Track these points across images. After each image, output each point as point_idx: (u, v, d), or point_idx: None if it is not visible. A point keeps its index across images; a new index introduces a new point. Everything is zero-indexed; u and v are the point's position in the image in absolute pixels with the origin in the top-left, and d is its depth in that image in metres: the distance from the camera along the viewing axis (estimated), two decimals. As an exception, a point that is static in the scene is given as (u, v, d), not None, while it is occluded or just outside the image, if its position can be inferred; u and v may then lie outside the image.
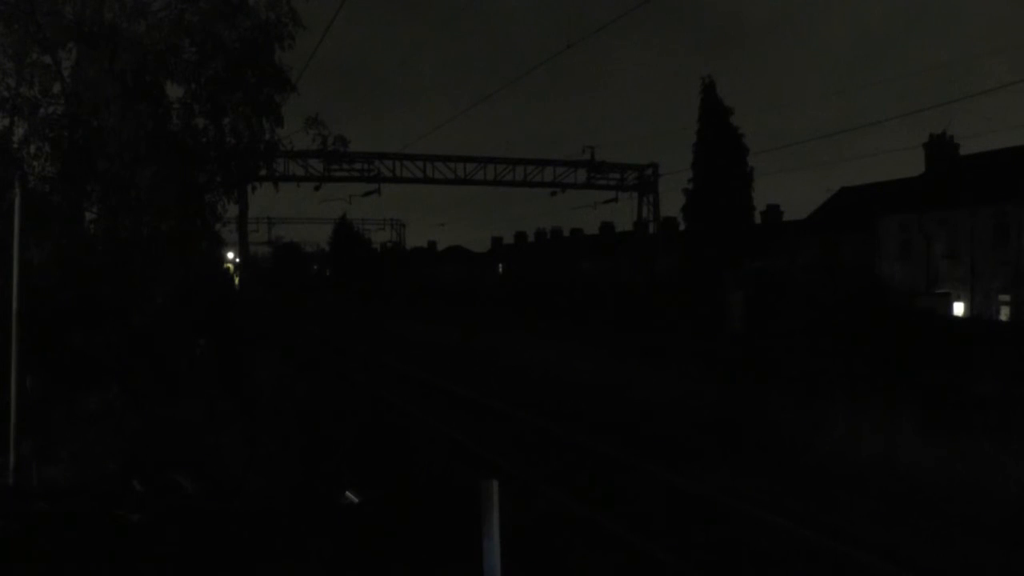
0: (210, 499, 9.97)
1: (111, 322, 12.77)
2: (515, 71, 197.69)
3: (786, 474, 13.95)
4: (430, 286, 65.17)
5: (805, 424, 16.02)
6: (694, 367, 21.55)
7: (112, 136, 12.29)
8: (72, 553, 8.30)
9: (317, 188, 44.23)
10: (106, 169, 12.65)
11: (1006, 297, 36.80)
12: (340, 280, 77.93)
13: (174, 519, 9.30)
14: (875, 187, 47.25)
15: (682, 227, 45.56)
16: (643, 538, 10.54)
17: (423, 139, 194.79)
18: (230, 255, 47.62)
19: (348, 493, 10.71)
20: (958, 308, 37.83)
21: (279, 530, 9.25)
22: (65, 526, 8.94)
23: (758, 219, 48.03)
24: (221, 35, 13.10)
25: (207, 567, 8.23)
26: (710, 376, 20.40)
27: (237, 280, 42.90)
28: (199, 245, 14.74)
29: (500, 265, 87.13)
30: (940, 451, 13.36)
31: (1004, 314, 36.33)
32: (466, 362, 30.51)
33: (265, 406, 15.69)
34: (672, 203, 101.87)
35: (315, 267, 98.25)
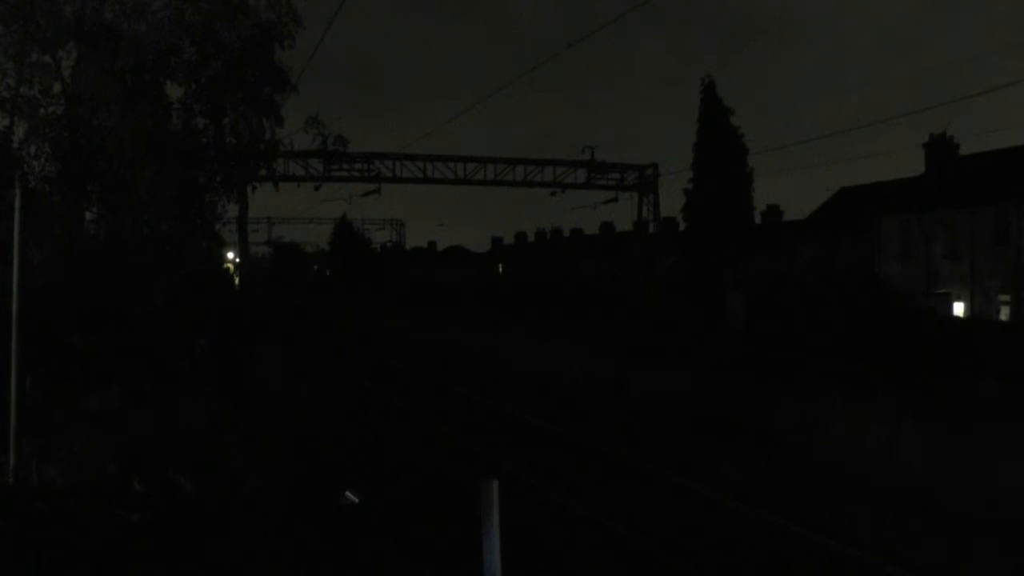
0: (210, 499, 9.97)
1: (111, 322, 12.78)
2: (516, 71, 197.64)
3: (785, 473, 13.96)
4: (430, 286, 65.15)
5: (804, 423, 16.03)
6: (693, 366, 21.57)
7: (112, 136, 12.30)
8: (72, 553, 8.30)
9: (317, 188, 44.29)
10: (106, 169, 12.67)
11: (1006, 297, 36.79)
12: (340, 280, 77.92)
13: (174, 519, 9.30)
14: (875, 187, 47.25)
15: (682, 227, 45.56)
16: (640, 537, 10.56)
17: (423, 139, 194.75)
18: (230, 255, 47.63)
19: (348, 493, 10.72)
20: (958, 308, 37.82)
21: (279, 530, 9.26)
22: (65, 526, 8.94)
23: (758, 219, 48.05)
24: (221, 35, 13.12)
25: (207, 567, 8.23)
26: (709, 375, 20.41)
27: (237, 280, 42.90)
28: (199, 245, 14.75)
29: (500, 265, 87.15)
30: (940, 451, 13.36)
31: (1004, 314, 36.33)
32: (467, 362, 30.52)
33: (265, 406, 15.71)
34: (672, 203, 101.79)
35: (315, 267, 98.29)
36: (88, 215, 14.31)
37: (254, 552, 8.67)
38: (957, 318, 35.19)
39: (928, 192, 42.42)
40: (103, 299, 12.83)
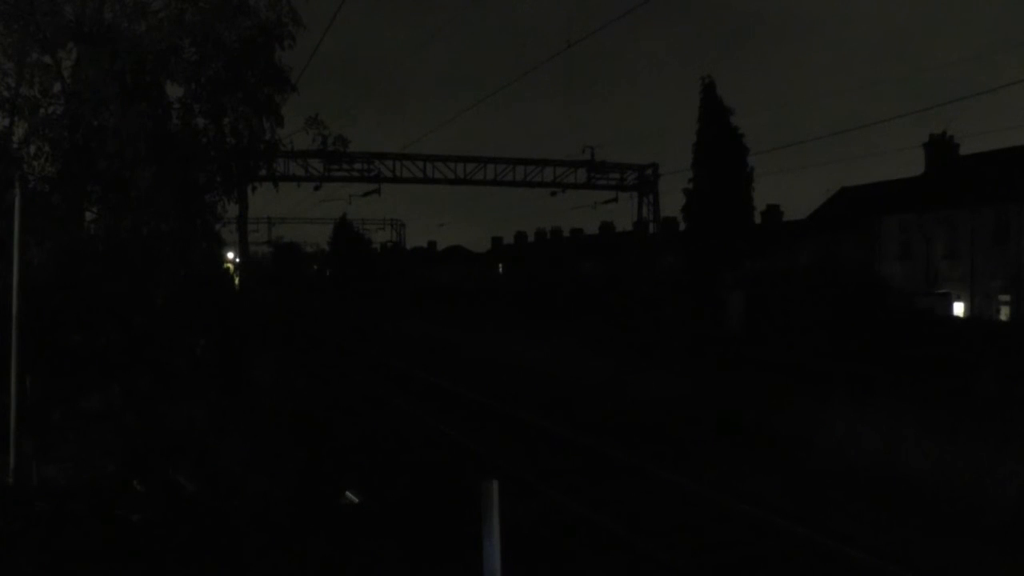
0: (210, 499, 9.97)
1: (111, 322, 12.77)
2: (517, 71, 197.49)
3: (785, 473, 13.95)
4: (430, 286, 65.14)
5: (804, 424, 16.02)
6: (693, 366, 21.55)
7: (112, 136, 12.29)
8: (72, 553, 8.30)
9: (317, 188, 44.22)
10: (106, 169, 12.65)
11: (1006, 297, 36.81)
12: (340, 280, 77.94)
13: (174, 519, 9.30)
14: (875, 187, 47.27)
15: (682, 227, 45.53)
16: (630, 532, 10.56)
17: (423, 139, 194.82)
18: (230, 255, 47.57)
19: (348, 493, 10.72)
20: (958, 308, 37.83)
21: (279, 530, 9.26)
22: (65, 526, 8.94)
23: (758, 219, 48.01)
24: (221, 35, 13.10)
25: (207, 567, 8.23)
26: (709, 375, 20.40)
27: (237, 280, 42.86)
28: (199, 245, 14.74)
29: (500, 265, 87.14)
30: (940, 451, 13.35)
31: (1004, 314, 36.34)
32: (467, 362, 30.52)
33: (265, 405, 15.70)
34: (672, 203, 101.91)
35: (315, 267, 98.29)
36: (88, 215, 14.30)
37: (255, 553, 8.67)
38: (957, 318, 35.18)
39: (928, 192, 42.43)
40: (103, 299, 12.82)
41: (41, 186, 13.05)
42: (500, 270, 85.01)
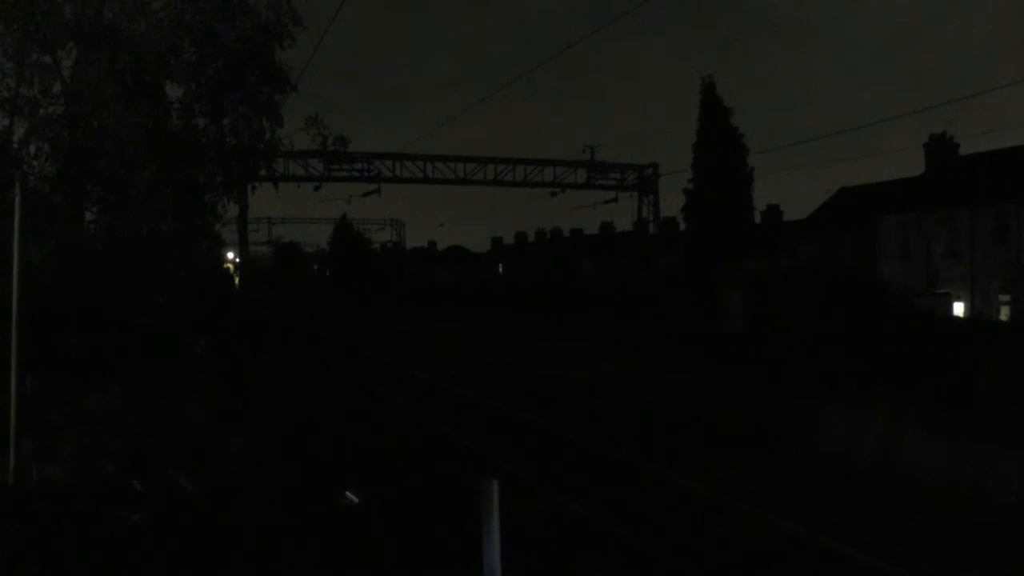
0: (210, 499, 9.97)
1: (111, 322, 12.78)
2: (517, 71, 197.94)
3: (785, 473, 13.95)
4: (430, 286, 65.09)
5: (805, 424, 16.02)
6: (693, 367, 21.54)
7: (112, 136, 12.29)
8: (72, 553, 8.30)
9: (317, 188, 44.23)
10: (106, 169, 12.65)
11: (1006, 297, 36.79)
12: (340, 280, 77.92)
13: (174, 519, 9.30)
14: (875, 187, 47.23)
15: (682, 227, 45.55)
16: (642, 537, 10.57)
17: (423, 139, 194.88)
18: (230, 255, 47.64)
19: (348, 493, 10.72)
20: (958, 308, 37.82)
21: (278, 530, 9.26)
22: (65, 526, 8.94)
23: (758, 219, 47.99)
24: (221, 35, 13.10)
25: (207, 567, 8.23)
26: (709, 376, 20.39)
27: (237, 280, 42.92)
28: (199, 245, 14.75)
29: (500, 265, 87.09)
30: (940, 451, 13.35)
31: (1004, 314, 36.32)
32: (466, 361, 30.51)
33: (265, 405, 15.71)
34: (672, 203, 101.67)
35: (315, 267, 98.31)
36: (88, 215, 14.31)
37: (254, 553, 8.66)
38: (957, 318, 35.16)
39: (928, 192, 42.40)
40: (103, 299, 12.83)
41: (41, 186, 13.05)
42: (500, 270, 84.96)
